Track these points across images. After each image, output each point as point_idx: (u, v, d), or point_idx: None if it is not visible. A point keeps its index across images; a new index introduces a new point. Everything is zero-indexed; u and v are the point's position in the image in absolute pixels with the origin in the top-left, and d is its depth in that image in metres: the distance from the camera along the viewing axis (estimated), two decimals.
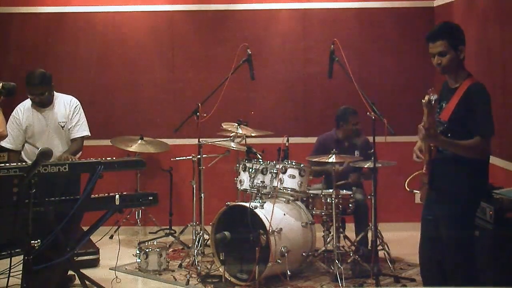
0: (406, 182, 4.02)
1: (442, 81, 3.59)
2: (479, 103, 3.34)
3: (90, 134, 4.94)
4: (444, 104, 3.45)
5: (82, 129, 4.87)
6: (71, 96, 4.92)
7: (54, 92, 4.82)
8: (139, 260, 5.10)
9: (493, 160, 3.52)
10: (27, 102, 4.82)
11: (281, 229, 4.66)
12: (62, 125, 4.82)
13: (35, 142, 4.81)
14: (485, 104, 3.35)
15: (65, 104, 4.84)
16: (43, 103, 4.76)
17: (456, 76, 3.44)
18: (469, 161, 3.33)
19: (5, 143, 4.78)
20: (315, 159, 5.12)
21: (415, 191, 3.82)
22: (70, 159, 4.44)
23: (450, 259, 3.41)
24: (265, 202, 4.80)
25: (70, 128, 4.84)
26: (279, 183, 4.87)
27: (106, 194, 4.08)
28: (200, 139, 5.20)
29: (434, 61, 3.43)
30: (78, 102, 4.90)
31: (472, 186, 3.39)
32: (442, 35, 3.39)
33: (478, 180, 3.43)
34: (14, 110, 4.83)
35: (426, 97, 3.22)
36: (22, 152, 4.86)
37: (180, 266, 5.17)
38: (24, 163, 4.43)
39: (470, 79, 3.42)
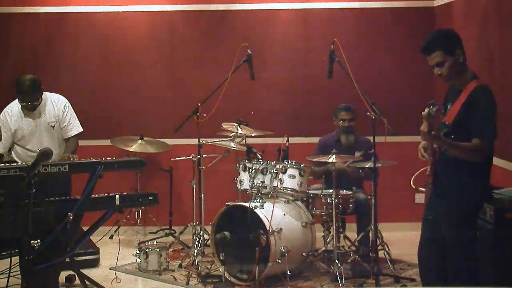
0: (412, 180, 4.02)
1: (442, 81, 3.58)
2: (481, 106, 3.32)
3: (83, 130, 4.91)
4: (449, 105, 3.45)
5: (75, 127, 4.84)
6: (58, 95, 4.86)
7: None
8: (139, 260, 5.10)
9: (493, 160, 3.51)
10: (15, 105, 4.75)
11: (281, 229, 4.66)
12: (52, 125, 4.77)
13: (25, 144, 4.76)
14: (486, 107, 3.34)
15: (53, 104, 4.79)
16: (35, 108, 4.70)
17: (461, 79, 3.43)
18: (473, 163, 3.33)
19: None
20: (315, 159, 5.12)
21: (420, 188, 3.82)
22: (72, 159, 4.42)
23: (452, 259, 3.41)
24: (265, 202, 4.80)
25: (63, 128, 4.80)
26: (279, 183, 4.87)
27: (106, 194, 4.07)
28: (200, 139, 5.20)
29: (435, 72, 3.41)
30: (66, 100, 4.85)
31: (476, 187, 3.39)
32: (436, 45, 3.36)
33: (482, 181, 3.43)
34: (1, 114, 4.76)
35: (426, 110, 3.20)
36: (13, 153, 4.81)
37: (180, 266, 5.17)
38: (23, 163, 4.42)
39: (475, 81, 3.39)
